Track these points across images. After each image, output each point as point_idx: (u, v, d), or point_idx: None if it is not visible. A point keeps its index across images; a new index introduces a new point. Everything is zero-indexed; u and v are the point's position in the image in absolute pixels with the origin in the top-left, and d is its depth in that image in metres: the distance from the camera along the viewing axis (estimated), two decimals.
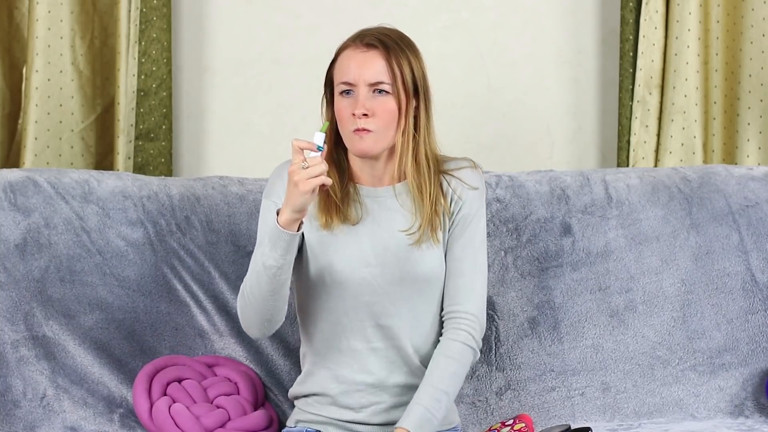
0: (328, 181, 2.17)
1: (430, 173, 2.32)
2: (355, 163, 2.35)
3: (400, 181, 2.35)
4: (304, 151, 2.17)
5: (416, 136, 2.31)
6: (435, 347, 2.33)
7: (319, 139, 2.19)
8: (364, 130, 2.26)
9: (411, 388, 2.32)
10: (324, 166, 2.16)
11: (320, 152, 2.17)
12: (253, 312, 2.26)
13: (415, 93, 2.31)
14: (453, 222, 2.35)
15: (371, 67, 2.27)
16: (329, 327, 2.33)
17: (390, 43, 2.29)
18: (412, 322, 2.33)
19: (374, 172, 2.34)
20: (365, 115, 2.26)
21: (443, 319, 2.34)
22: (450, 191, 2.35)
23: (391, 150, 2.32)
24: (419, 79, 2.31)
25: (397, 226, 2.32)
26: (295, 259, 2.29)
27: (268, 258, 2.20)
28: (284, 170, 2.33)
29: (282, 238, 2.19)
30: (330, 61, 2.34)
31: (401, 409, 2.31)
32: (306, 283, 2.35)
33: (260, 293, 2.24)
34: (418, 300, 2.33)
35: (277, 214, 2.20)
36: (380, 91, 2.27)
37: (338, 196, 2.32)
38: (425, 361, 2.33)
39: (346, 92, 2.28)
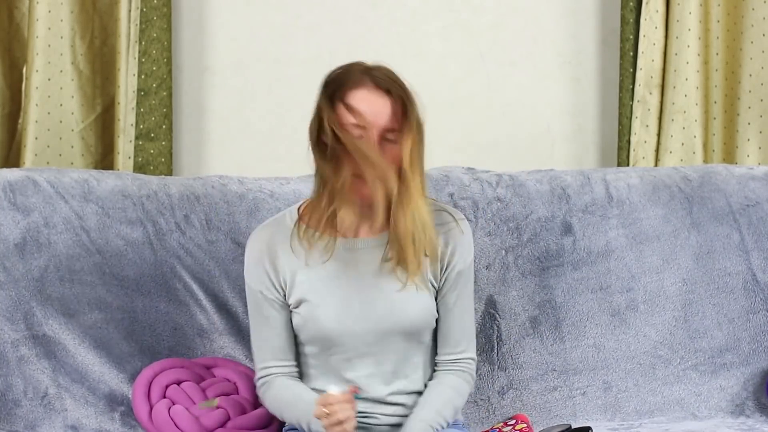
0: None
1: (424, 221, 2.21)
2: (347, 213, 2.23)
3: (384, 230, 2.26)
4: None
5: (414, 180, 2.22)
6: (427, 376, 2.33)
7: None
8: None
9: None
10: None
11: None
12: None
13: (418, 133, 2.22)
14: (446, 277, 2.30)
15: (385, 110, 2.18)
16: (314, 371, 2.32)
17: (394, 87, 2.20)
18: (401, 364, 2.30)
19: (361, 222, 2.27)
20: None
21: (441, 358, 2.32)
22: (441, 246, 2.29)
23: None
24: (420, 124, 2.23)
25: (384, 275, 2.26)
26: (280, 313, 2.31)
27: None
28: (252, 245, 2.31)
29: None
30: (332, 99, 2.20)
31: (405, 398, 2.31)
32: (291, 331, 2.33)
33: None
34: (407, 346, 2.29)
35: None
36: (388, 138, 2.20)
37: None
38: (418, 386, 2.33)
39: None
